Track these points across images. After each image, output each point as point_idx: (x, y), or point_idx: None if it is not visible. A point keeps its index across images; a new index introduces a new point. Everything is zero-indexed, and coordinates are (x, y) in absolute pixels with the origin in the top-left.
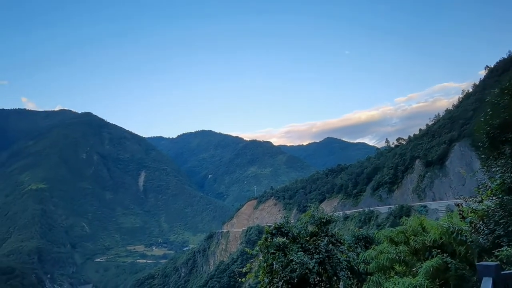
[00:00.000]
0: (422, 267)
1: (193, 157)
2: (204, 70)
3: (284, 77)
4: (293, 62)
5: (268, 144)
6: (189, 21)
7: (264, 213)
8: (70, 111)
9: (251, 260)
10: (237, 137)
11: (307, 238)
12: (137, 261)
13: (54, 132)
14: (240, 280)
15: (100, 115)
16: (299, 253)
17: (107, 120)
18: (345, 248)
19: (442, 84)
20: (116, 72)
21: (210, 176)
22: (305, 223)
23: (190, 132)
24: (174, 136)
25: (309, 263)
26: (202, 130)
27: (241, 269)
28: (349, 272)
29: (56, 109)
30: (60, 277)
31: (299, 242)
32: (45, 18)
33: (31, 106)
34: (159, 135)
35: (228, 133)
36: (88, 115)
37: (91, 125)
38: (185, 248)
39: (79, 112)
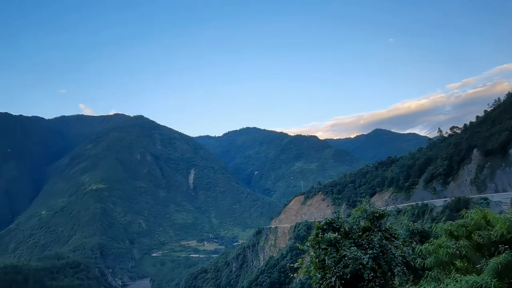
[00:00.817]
0: (488, 264)
1: (239, 154)
2: (246, 68)
3: (327, 70)
4: (336, 53)
5: (313, 138)
6: (226, 21)
7: (312, 209)
8: (124, 115)
9: (303, 256)
10: (281, 132)
11: (360, 233)
12: (191, 255)
13: (110, 136)
14: (292, 275)
15: (151, 118)
16: (352, 248)
17: (158, 122)
18: (400, 243)
19: (501, 66)
20: (163, 76)
21: (256, 172)
22: (357, 218)
23: (235, 130)
24: (220, 135)
25: (363, 258)
26: (247, 127)
27: (292, 265)
28: (404, 268)
29: (111, 113)
30: (121, 271)
31: (352, 238)
32: (97, 30)
33: (88, 112)
34: (206, 134)
35: (273, 129)
36: (140, 118)
37: (143, 127)
38: (235, 244)
39: (132, 115)
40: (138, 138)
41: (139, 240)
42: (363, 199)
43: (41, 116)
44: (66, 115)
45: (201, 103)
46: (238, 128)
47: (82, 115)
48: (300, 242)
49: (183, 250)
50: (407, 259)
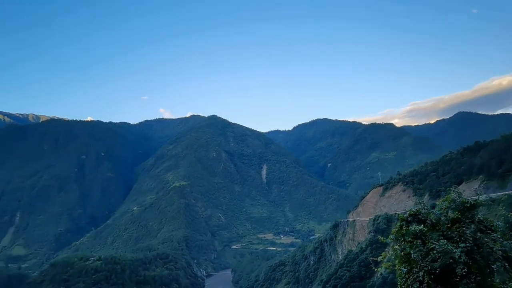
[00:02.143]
0: None
1: (310, 147)
2: (313, 59)
3: (399, 51)
4: (408, 32)
5: (389, 126)
6: (290, 21)
7: (391, 201)
8: (199, 115)
9: (386, 249)
10: (354, 122)
11: (449, 225)
12: (268, 248)
13: (188, 136)
14: (375, 269)
15: (223, 117)
16: (441, 241)
17: (230, 120)
18: (499, 236)
19: None
20: (232, 75)
21: (329, 165)
22: (445, 208)
23: (305, 123)
24: (290, 128)
25: (454, 252)
26: (317, 119)
27: (375, 258)
28: (506, 264)
29: (188, 115)
30: (205, 262)
31: (440, 230)
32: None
33: (167, 115)
34: (275, 129)
35: (345, 119)
36: (213, 117)
37: (217, 126)
38: (311, 237)
39: (206, 116)
40: (213, 136)
41: (219, 233)
42: (450, 188)
43: (127, 121)
44: (149, 119)
45: (269, 99)
46: (308, 121)
47: (163, 118)
48: (381, 235)
49: (261, 243)
50: (509, 254)
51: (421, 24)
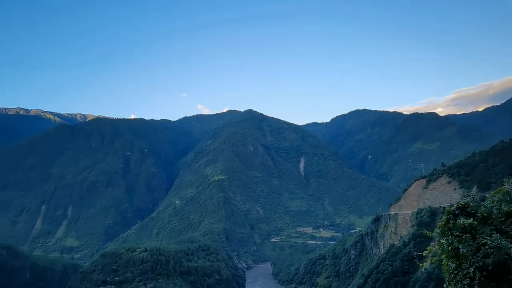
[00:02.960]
0: None
1: (349, 139)
2: (350, 48)
3: (441, 36)
4: (452, 14)
5: (432, 115)
6: (325, 11)
7: (436, 193)
8: (235, 110)
9: (432, 243)
10: (395, 112)
11: (502, 219)
12: (307, 242)
13: (225, 131)
14: (420, 264)
15: (259, 111)
16: (493, 236)
17: (266, 114)
18: None
19: None
20: (267, 69)
21: (369, 157)
22: (497, 201)
23: (343, 114)
24: (328, 120)
25: (509, 248)
26: (356, 110)
27: (420, 253)
28: None
29: (224, 110)
30: (245, 255)
31: (492, 224)
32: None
33: (205, 111)
34: (313, 121)
35: (385, 109)
36: (250, 112)
37: (253, 120)
38: (352, 231)
39: (242, 110)
40: (249, 131)
41: (258, 226)
42: (504, 180)
43: (168, 118)
44: (187, 116)
45: (306, 91)
46: (346, 112)
47: (201, 114)
48: (425, 229)
49: (300, 236)
50: None
51: (468, 5)
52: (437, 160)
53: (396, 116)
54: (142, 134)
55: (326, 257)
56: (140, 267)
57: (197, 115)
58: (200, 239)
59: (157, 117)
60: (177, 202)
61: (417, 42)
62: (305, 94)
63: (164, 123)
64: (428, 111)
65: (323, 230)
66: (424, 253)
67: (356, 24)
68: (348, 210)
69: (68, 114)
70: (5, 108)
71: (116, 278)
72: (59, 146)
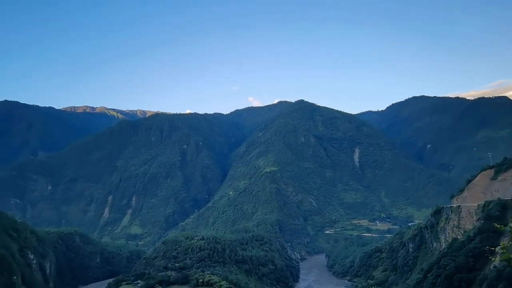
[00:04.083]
0: None
1: (406, 128)
2: (404, 30)
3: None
4: None
5: (502, 99)
6: None
7: (506, 184)
8: (286, 101)
9: (503, 239)
10: (457, 97)
11: None
12: (363, 234)
13: (276, 122)
14: (492, 259)
15: (310, 101)
16: None
17: (318, 104)
18: None
19: None
20: (317, 58)
21: (429, 146)
22: None
23: (399, 102)
24: (383, 108)
25: None
26: (413, 96)
27: (492, 248)
28: None
29: (275, 102)
30: (298, 246)
31: None
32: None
33: (256, 103)
34: (367, 110)
35: (445, 95)
36: (300, 102)
37: (304, 111)
38: (410, 224)
39: (293, 101)
40: (301, 121)
41: (311, 218)
42: None
43: (220, 112)
44: (239, 108)
45: (358, 79)
46: (403, 99)
47: (252, 107)
48: (494, 223)
49: (355, 228)
50: None
51: None
52: (507, 148)
53: (458, 102)
54: (197, 128)
55: (383, 250)
56: (198, 254)
57: (248, 107)
58: (253, 229)
59: (210, 111)
60: (230, 193)
61: (482, 16)
62: (359, 81)
63: (217, 116)
64: (496, 95)
65: (379, 222)
66: (497, 248)
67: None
68: (405, 202)
69: (129, 110)
70: (74, 107)
71: (177, 264)
72: (122, 141)
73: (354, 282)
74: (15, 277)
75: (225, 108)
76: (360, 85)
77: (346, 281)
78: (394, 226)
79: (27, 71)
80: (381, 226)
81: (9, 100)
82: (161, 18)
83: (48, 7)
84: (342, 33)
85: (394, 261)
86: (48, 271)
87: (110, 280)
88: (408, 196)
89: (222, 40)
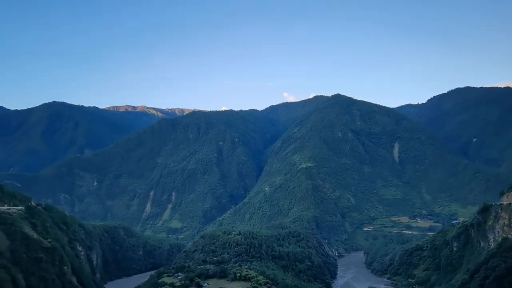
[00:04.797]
0: None
1: (449, 121)
2: (447, 17)
3: None
4: None
5: None
6: None
7: None
8: (322, 96)
9: None
10: (507, 87)
11: None
12: (403, 231)
13: (312, 117)
14: None
15: (347, 95)
16: None
17: (355, 98)
18: None
19: None
20: (353, 50)
21: (474, 140)
22: None
23: (441, 94)
24: (424, 101)
25: None
26: (456, 88)
27: None
28: None
29: (311, 97)
30: (336, 243)
31: None
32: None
33: (291, 99)
34: (407, 103)
35: (493, 85)
36: (337, 96)
37: (341, 105)
38: (453, 221)
39: (329, 95)
40: (337, 116)
41: (349, 215)
42: None
43: (255, 108)
44: (273, 104)
45: (397, 71)
46: (445, 91)
47: (287, 102)
48: None
49: (394, 226)
50: None
51: None
52: None
53: (508, 92)
54: (232, 124)
55: (424, 248)
56: (235, 249)
57: (283, 103)
58: (290, 225)
59: (245, 107)
60: (266, 189)
61: None
62: (398, 74)
63: (252, 113)
64: None
65: (420, 219)
66: None
67: None
68: (449, 199)
69: (168, 109)
70: (116, 106)
71: (215, 258)
72: (162, 138)
73: (394, 280)
74: (65, 267)
75: (260, 104)
76: (399, 78)
77: (385, 279)
78: (436, 224)
79: (73, 74)
80: (422, 223)
81: (57, 101)
82: (195, 17)
83: (89, 12)
84: (380, 25)
85: (437, 260)
86: (95, 262)
87: (152, 272)
88: (451, 192)
89: (256, 36)
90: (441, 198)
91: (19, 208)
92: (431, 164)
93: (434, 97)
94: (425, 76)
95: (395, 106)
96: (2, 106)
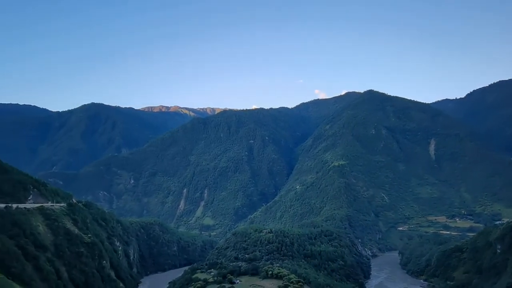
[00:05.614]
0: None
1: (491, 116)
2: (484, 9)
3: None
4: None
5: None
6: None
7: None
8: (354, 92)
9: None
10: None
11: None
12: (440, 232)
13: (344, 114)
14: None
15: (381, 90)
16: None
17: (389, 94)
18: None
19: None
20: (386, 44)
21: None
22: None
23: (483, 87)
24: (462, 96)
25: None
26: (499, 81)
27: None
28: None
29: (342, 93)
30: (369, 242)
31: None
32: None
33: (322, 95)
34: (444, 98)
35: None
36: (370, 92)
37: (374, 101)
38: (497, 222)
39: (362, 91)
40: (370, 113)
41: (383, 214)
42: None
43: (285, 106)
44: (304, 101)
45: (432, 65)
46: (486, 84)
47: (318, 99)
48: None
49: (431, 225)
50: None
51: None
52: None
53: None
54: (262, 122)
55: (464, 249)
56: (267, 247)
57: (314, 100)
58: (322, 224)
59: (276, 105)
60: (297, 187)
61: None
62: (433, 68)
63: (282, 110)
64: None
65: (459, 219)
66: None
67: None
68: (491, 199)
69: (200, 108)
70: (151, 107)
71: (247, 256)
72: (194, 137)
73: (431, 282)
74: (104, 262)
75: (291, 101)
76: (434, 72)
77: (421, 280)
78: (477, 224)
79: (110, 76)
80: (462, 223)
81: (95, 102)
82: (221, 18)
83: (123, 15)
84: (414, 17)
85: (478, 263)
86: (132, 257)
87: (186, 267)
88: (494, 191)
89: (286, 34)
90: (482, 198)
91: (62, 204)
92: (471, 162)
93: (474, 91)
94: (463, 69)
95: (431, 102)
96: (45, 108)
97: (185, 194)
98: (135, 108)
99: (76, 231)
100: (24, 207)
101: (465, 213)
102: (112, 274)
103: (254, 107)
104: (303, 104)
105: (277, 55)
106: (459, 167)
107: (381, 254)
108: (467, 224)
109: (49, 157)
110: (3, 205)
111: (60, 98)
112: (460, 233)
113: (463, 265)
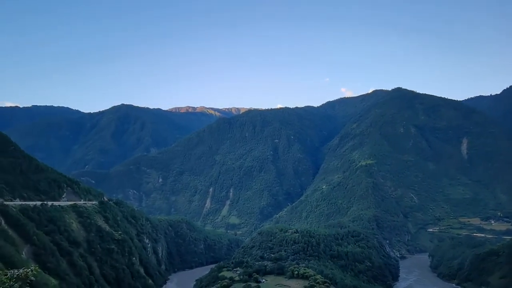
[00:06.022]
0: None
1: None
2: None
3: None
4: None
5: None
6: None
7: None
8: (381, 90)
9: None
10: None
11: None
12: (474, 234)
13: (371, 113)
14: None
15: (409, 88)
16: None
17: (418, 91)
18: None
19: None
20: (415, 40)
21: None
22: None
23: None
24: (498, 92)
25: None
26: None
27: None
28: None
29: (369, 91)
30: (398, 244)
31: None
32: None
33: (349, 94)
34: (477, 95)
35: None
36: (398, 90)
37: (403, 99)
38: None
39: (390, 89)
40: (399, 111)
41: (412, 214)
42: None
43: (311, 105)
44: (330, 100)
45: (465, 59)
46: None
47: (344, 97)
48: None
49: (464, 227)
50: None
51: None
52: None
53: None
54: (288, 122)
55: (500, 253)
56: (293, 247)
57: (340, 98)
58: (349, 224)
59: (301, 104)
60: (324, 187)
61: None
62: (465, 63)
63: (308, 109)
64: None
65: (494, 222)
66: None
67: None
68: None
69: (225, 108)
70: (178, 107)
71: (272, 255)
72: (220, 137)
73: (464, 286)
74: (134, 258)
75: (316, 100)
76: (466, 68)
77: (453, 284)
78: None
79: (139, 77)
80: (498, 226)
81: (125, 103)
82: (246, 19)
83: (148, 18)
84: (445, 10)
85: None
86: (160, 254)
87: (213, 265)
88: None
89: (312, 32)
90: None
91: (93, 202)
92: (508, 161)
93: (511, 86)
94: (499, 64)
95: (463, 99)
96: (78, 110)
97: (211, 193)
98: (163, 109)
99: (107, 228)
100: (59, 205)
101: (501, 215)
102: (141, 270)
103: (279, 106)
104: (329, 102)
105: (303, 54)
106: (494, 167)
107: (410, 256)
108: (503, 226)
109: (82, 157)
110: (39, 203)
111: (92, 100)
112: (496, 236)
113: (499, 270)
